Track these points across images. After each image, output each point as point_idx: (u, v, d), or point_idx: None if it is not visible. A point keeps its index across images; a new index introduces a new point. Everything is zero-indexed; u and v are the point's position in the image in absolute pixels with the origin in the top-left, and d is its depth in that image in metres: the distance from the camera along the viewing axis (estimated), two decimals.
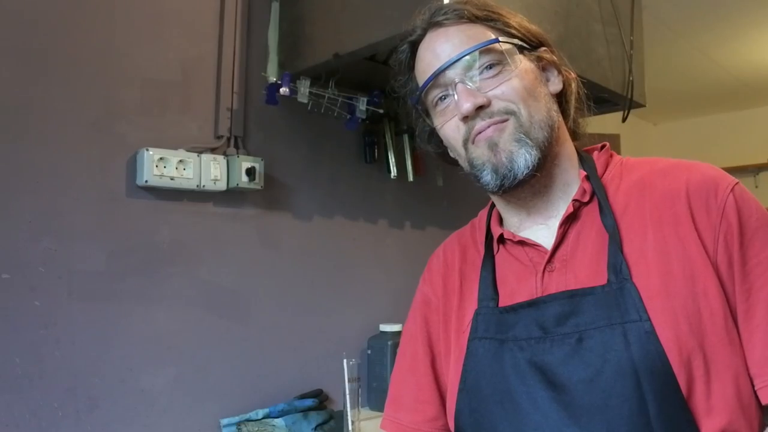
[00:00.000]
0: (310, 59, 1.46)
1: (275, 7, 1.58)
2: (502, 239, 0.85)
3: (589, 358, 0.70)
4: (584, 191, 0.79)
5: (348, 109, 1.61)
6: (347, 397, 1.44)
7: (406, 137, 1.78)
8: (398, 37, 0.93)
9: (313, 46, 1.46)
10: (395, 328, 1.65)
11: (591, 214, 0.78)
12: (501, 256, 0.85)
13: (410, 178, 1.78)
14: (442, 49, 0.79)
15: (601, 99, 1.65)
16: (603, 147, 0.87)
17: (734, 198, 0.72)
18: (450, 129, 0.80)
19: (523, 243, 0.82)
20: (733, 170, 4.31)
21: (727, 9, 2.88)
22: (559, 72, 0.83)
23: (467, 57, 0.76)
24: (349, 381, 1.44)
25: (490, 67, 0.77)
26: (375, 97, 1.61)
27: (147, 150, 1.29)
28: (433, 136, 0.87)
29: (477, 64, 0.76)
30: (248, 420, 1.40)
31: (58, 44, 1.23)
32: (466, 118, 0.77)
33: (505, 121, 0.76)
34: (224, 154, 1.44)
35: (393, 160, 1.75)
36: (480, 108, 0.76)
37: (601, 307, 0.71)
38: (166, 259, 1.34)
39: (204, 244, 1.41)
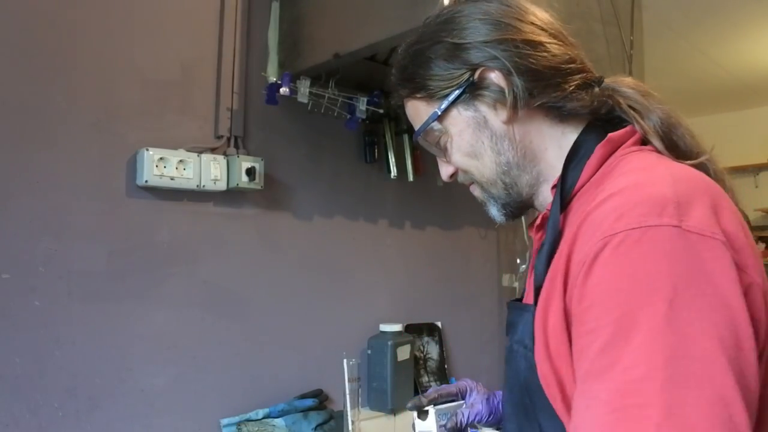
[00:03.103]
0: (310, 59, 1.46)
1: (275, 7, 1.58)
2: None
3: (508, 373, 0.72)
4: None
5: (348, 109, 1.61)
6: (347, 397, 1.44)
7: (406, 137, 1.78)
8: (398, 37, 0.93)
9: (313, 46, 1.46)
10: (395, 328, 1.65)
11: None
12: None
13: (410, 178, 1.78)
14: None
15: None
16: (607, 139, 0.69)
17: (600, 247, 0.54)
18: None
19: None
20: (733, 170, 4.31)
21: (727, 9, 2.88)
22: (503, 88, 0.70)
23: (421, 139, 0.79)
24: (349, 381, 1.44)
25: (438, 141, 0.77)
26: (375, 97, 1.61)
27: (147, 150, 1.29)
28: None
29: (427, 145, 0.79)
30: (248, 420, 1.40)
31: (58, 44, 1.23)
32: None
33: (473, 183, 0.79)
34: (224, 154, 1.44)
35: (393, 160, 1.75)
36: (455, 173, 0.80)
37: (520, 324, 0.70)
38: (166, 259, 1.34)
39: (204, 244, 1.41)
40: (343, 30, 1.37)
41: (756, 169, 4.34)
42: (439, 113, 0.74)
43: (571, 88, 0.70)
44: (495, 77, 0.70)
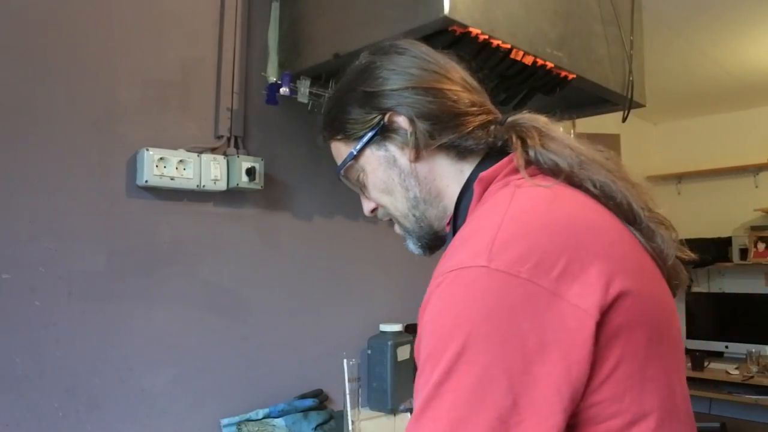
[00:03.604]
0: (310, 59, 1.46)
1: (275, 7, 1.58)
2: None
3: None
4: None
5: None
6: (347, 397, 1.44)
7: None
8: (398, 37, 0.93)
9: (313, 46, 1.46)
10: (395, 328, 1.65)
11: None
12: None
13: None
14: None
15: (601, 99, 1.65)
16: (478, 178, 0.74)
17: (431, 291, 0.61)
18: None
19: None
20: (733, 170, 4.33)
21: (727, 9, 2.88)
22: (406, 129, 0.78)
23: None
24: (349, 381, 1.44)
25: (357, 178, 0.85)
26: None
27: (147, 150, 1.29)
28: None
29: (349, 182, 0.87)
30: (248, 420, 1.40)
31: (58, 44, 1.23)
32: None
33: (391, 219, 0.86)
34: (224, 154, 1.44)
35: None
36: (375, 208, 0.87)
37: None
38: (166, 259, 1.34)
39: (204, 244, 1.41)
40: (343, 30, 1.37)
41: (756, 169, 4.34)
42: (355, 153, 0.82)
43: (469, 129, 0.77)
44: (401, 121, 0.78)
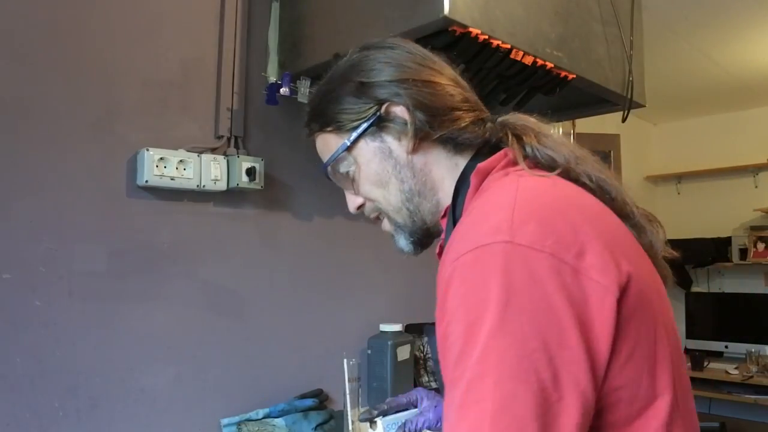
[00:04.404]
0: (310, 59, 1.46)
1: (275, 7, 1.58)
2: None
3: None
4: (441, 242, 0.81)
5: None
6: (347, 397, 1.43)
7: None
8: (398, 37, 0.93)
9: (313, 46, 1.46)
10: (395, 328, 1.65)
11: None
12: None
13: None
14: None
15: (601, 99, 1.66)
16: (476, 169, 0.74)
17: (452, 270, 0.60)
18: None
19: None
20: (733, 170, 4.33)
21: (727, 9, 2.88)
22: (407, 120, 0.78)
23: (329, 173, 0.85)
24: (349, 381, 1.44)
25: (347, 172, 0.83)
26: None
27: (147, 150, 1.29)
28: None
29: (336, 177, 0.85)
30: (248, 420, 1.40)
31: (58, 44, 1.23)
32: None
33: (380, 216, 0.85)
34: (224, 154, 1.44)
35: None
36: (362, 205, 0.85)
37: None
38: (166, 259, 1.34)
39: (204, 244, 1.41)
40: (343, 30, 1.37)
41: (756, 169, 4.34)
42: (348, 144, 0.81)
43: (464, 124, 0.78)
44: (399, 111, 0.78)
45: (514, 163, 0.72)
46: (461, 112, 0.78)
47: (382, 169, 0.80)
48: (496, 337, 0.53)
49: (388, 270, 1.81)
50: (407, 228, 0.82)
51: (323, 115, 0.83)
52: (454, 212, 0.76)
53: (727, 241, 4.31)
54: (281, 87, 1.46)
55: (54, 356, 1.18)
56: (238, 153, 1.45)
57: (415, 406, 1.00)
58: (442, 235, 0.79)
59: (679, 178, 4.67)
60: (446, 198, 0.79)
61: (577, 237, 0.57)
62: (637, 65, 1.64)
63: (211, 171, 1.38)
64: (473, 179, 0.73)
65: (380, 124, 0.79)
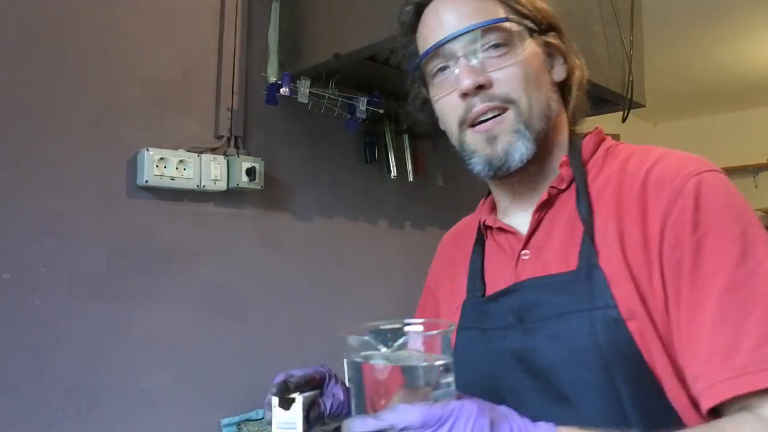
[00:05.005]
0: (310, 59, 1.46)
1: (275, 7, 1.58)
2: (487, 226, 0.84)
3: (557, 347, 0.68)
4: (562, 178, 0.77)
5: (348, 110, 1.61)
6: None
7: (406, 137, 1.78)
8: (398, 37, 0.92)
9: (313, 46, 1.46)
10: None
11: (568, 201, 0.76)
12: (489, 242, 0.84)
13: (410, 178, 1.78)
14: (449, 18, 0.75)
15: (601, 99, 1.65)
16: (596, 130, 0.83)
17: (696, 183, 0.67)
18: (447, 104, 0.77)
19: (502, 230, 0.81)
20: (733, 170, 4.33)
21: (727, 9, 2.88)
22: (566, 60, 0.80)
23: (474, 32, 0.73)
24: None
25: (497, 46, 0.74)
26: (375, 97, 1.62)
27: (147, 150, 1.29)
28: (426, 104, 0.84)
29: (483, 41, 0.74)
30: (248, 420, 1.40)
31: (58, 44, 1.23)
32: (465, 95, 0.74)
33: (505, 110, 0.74)
34: (224, 154, 1.44)
35: (393, 160, 1.75)
36: (481, 87, 0.73)
37: (568, 293, 0.69)
38: (166, 260, 1.34)
39: (204, 244, 1.41)
40: (343, 30, 1.37)
41: (756, 169, 4.34)
42: (523, 23, 0.76)
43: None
44: (563, 48, 0.80)
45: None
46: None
47: (541, 72, 0.77)
48: (761, 228, 0.67)
49: (388, 270, 1.81)
50: (535, 134, 0.74)
51: None
52: (581, 157, 0.78)
53: None
54: (281, 87, 1.46)
55: (54, 356, 1.18)
56: (238, 153, 1.45)
57: (321, 385, 0.80)
58: (566, 176, 0.77)
59: None
60: (559, 143, 0.80)
61: None
62: (637, 65, 1.65)
63: (211, 171, 1.38)
64: (594, 138, 0.80)
65: (549, 40, 0.78)
